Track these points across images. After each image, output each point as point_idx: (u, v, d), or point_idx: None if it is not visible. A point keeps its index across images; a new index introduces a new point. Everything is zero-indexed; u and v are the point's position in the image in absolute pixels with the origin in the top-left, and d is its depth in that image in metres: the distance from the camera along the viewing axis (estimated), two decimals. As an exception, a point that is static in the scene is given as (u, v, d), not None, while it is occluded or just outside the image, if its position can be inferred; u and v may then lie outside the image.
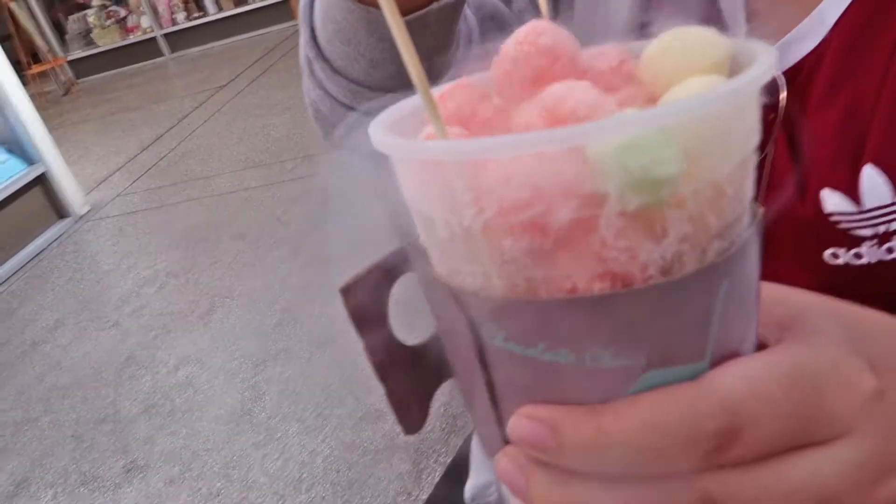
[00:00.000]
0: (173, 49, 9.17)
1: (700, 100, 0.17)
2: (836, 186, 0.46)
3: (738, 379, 0.19)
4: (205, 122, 5.52)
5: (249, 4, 8.83)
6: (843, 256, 0.47)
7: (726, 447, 0.19)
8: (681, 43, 0.20)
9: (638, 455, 0.19)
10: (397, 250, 0.24)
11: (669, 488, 0.19)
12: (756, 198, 0.20)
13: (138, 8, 9.22)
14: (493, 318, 0.19)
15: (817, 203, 0.47)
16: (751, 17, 0.50)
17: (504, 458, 0.21)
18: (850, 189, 0.45)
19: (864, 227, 0.46)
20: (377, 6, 0.44)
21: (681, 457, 0.19)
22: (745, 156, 0.19)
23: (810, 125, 0.47)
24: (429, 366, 0.24)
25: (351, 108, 0.52)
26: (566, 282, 0.18)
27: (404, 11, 0.44)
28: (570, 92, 0.18)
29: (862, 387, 0.20)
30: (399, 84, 0.48)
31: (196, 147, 4.95)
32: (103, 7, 9.32)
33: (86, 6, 9.37)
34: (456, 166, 0.18)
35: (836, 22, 0.47)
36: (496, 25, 0.57)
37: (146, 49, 9.22)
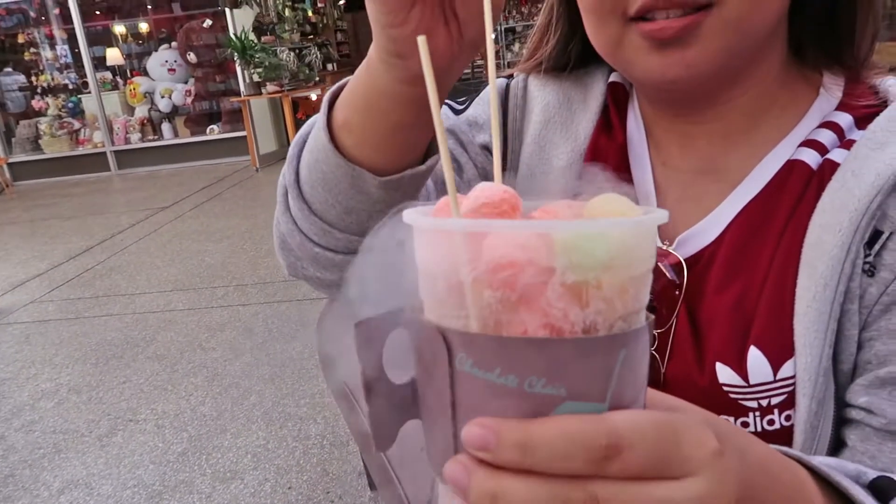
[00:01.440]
0: (121, 166, 9.23)
1: (621, 222, 0.28)
2: (727, 362, 0.55)
3: (626, 418, 0.27)
4: (139, 239, 5.47)
5: (206, 136, 9.11)
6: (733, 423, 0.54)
7: (611, 459, 0.26)
8: (613, 201, 0.29)
9: (551, 454, 0.26)
10: (399, 308, 0.31)
11: (569, 487, 0.27)
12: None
13: (94, 123, 9.37)
14: (465, 349, 0.27)
15: (713, 374, 0.55)
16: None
17: (452, 463, 0.28)
18: (739, 365, 0.54)
19: (750, 399, 0.54)
20: (362, 165, 0.53)
21: (580, 459, 0.26)
22: (643, 271, 0.28)
23: (707, 306, 0.57)
24: (402, 402, 0.32)
25: (318, 245, 0.59)
26: (521, 326, 0.27)
27: (385, 172, 0.53)
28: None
29: (708, 444, 0.29)
30: (364, 230, 0.56)
31: (125, 263, 4.87)
32: (58, 117, 9.43)
33: (41, 114, 9.46)
34: (460, 236, 0.27)
35: (728, 224, 0.58)
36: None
37: (93, 162, 9.26)
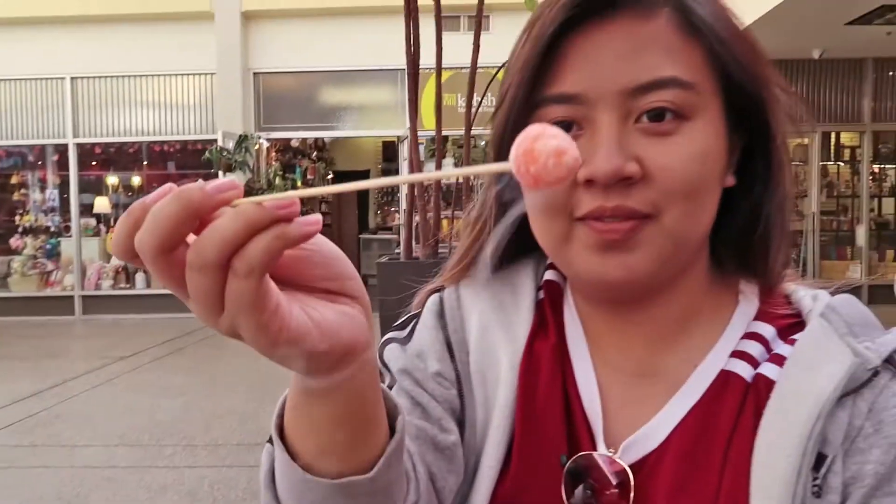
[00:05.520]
0: (86, 311, 9.12)
1: None
2: None
3: None
4: (92, 388, 5.30)
5: (178, 288, 9.11)
6: None
7: None
8: None
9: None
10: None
11: None
12: None
13: (67, 266, 9.37)
14: None
15: None
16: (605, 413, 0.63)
17: None
18: None
19: None
20: (342, 474, 0.49)
21: None
22: None
23: None
24: None
25: None
26: None
27: (344, 472, 0.49)
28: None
29: None
30: None
31: (72, 412, 4.67)
32: (33, 257, 9.44)
33: (16, 252, 9.48)
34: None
35: (672, 431, 0.60)
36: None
37: (59, 305, 9.14)
